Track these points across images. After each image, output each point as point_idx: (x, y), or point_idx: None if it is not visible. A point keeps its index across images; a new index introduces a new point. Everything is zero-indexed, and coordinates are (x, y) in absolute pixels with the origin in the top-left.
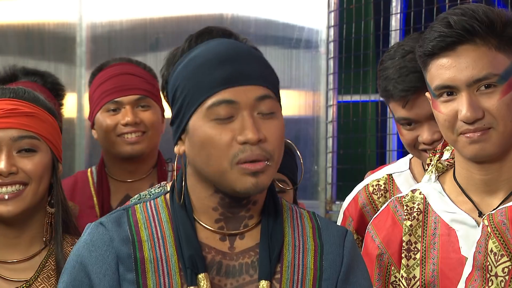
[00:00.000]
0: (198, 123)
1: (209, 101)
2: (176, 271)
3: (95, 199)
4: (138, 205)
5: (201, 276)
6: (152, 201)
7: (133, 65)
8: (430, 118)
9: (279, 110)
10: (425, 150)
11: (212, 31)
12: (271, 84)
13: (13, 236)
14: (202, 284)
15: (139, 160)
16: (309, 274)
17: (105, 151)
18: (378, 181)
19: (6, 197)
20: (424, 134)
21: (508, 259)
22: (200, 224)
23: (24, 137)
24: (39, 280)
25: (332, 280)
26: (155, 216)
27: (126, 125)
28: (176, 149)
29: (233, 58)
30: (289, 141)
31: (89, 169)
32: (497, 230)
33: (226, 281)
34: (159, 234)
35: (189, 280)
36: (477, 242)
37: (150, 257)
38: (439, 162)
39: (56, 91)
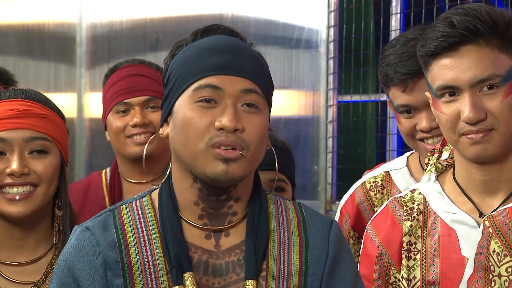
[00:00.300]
0: (182, 104)
1: (196, 84)
2: (163, 274)
3: (107, 199)
4: (124, 205)
5: (186, 275)
6: (137, 201)
7: (144, 66)
8: (429, 105)
9: (265, 108)
10: (422, 140)
11: (219, 28)
12: (261, 83)
13: (20, 238)
14: (188, 283)
15: (149, 161)
16: (294, 270)
17: (116, 152)
18: (375, 178)
19: (17, 197)
20: (423, 122)
21: (511, 259)
22: (185, 220)
23: (36, 138)
24: (47, 282)
25: (318, 275)
26: (141, 217)
27: (134, 126)
28: (161, 130)
29: (229, 51)
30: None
31: (103, 170)
32: (499, 231)
33: (213, 280)
34: (146, 237)
35: (175, 279)
36: (478, 243)
37: (137, 261)
38: (438, 162)
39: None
